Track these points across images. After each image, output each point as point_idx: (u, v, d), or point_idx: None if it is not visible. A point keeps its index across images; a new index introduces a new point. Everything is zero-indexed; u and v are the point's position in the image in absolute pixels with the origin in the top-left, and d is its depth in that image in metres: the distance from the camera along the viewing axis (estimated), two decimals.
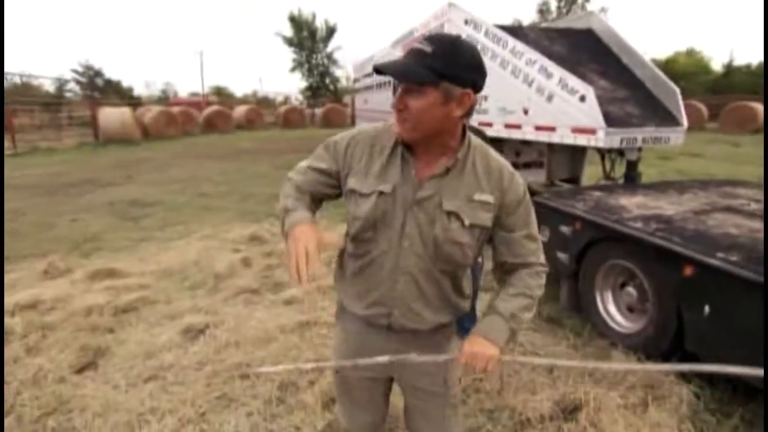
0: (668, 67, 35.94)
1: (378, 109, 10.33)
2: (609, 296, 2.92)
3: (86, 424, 2.15)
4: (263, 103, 40.41)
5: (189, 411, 2.24)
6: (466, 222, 1.12)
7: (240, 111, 24.91)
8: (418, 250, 1.14)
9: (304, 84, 34.24)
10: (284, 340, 2.93)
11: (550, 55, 4.93)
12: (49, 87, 32.07)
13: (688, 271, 2.26)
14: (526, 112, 4.49)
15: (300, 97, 37.07)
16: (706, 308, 2.19)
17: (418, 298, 1.19)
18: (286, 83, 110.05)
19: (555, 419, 1.98)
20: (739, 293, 2.06)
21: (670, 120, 4.48)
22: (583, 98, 4.02)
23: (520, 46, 4.57)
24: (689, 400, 2.19)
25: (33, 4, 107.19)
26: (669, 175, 8.84)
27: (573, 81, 4.10)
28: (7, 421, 2.17)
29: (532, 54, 4.43)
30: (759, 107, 19.26)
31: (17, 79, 29.07)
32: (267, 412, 2.26)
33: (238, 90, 68.46)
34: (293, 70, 33.62)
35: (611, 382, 2.30)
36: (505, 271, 1.24)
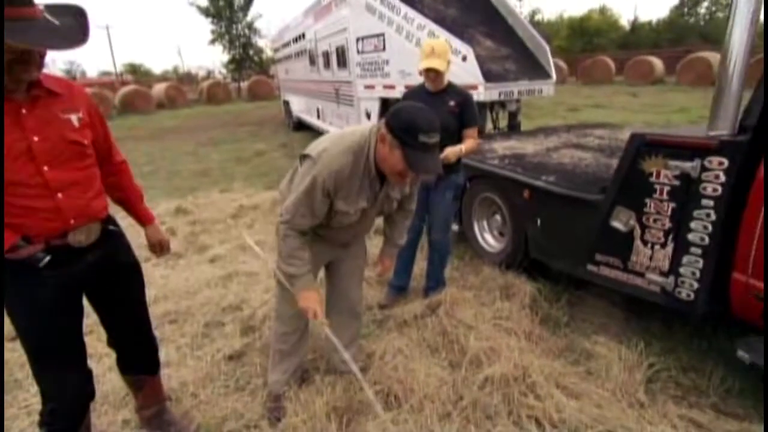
0: (583, 25, 38.01)
1: (300, 78, 10.45)
2: (484, 225, 3.51)
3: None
4: (185, 79, 38.35)
5: None
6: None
7: (159, 89, 23.71)
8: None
9: (226, 57, 32.84)
10: (208, 290, 3.29)
11: (443, 18, 5.39)
12: None
13: (526, 194, 2.86)
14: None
15: (224, 70, 35.59)
16: (538, 221, 2.80)
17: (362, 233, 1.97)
18: (208, 56, 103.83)
19: (424, 317, 2.54)
20: (555, 206, 2.68)
21: (542, 74, 5.14)
22: (464, 58, 4.54)
23: (411, 12, 4.99)
24: (531, 293, 2.83)
25: None
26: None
27: (456, 43, 4.59)
28: None
29: (421, 19, 4.86)
30: (656, 60, 21.16)
31: None
32: (194, 344, 2.65)
33: (157, 66, 63.89)
34: (213, 42, 32.01)
35: (476, 288, 2.91)
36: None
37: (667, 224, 2.18)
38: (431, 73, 2.50)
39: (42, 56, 1.29)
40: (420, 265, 3.26)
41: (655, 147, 2.14)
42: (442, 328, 2.37)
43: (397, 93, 5.56)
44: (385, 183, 1.70)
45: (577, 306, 2.83)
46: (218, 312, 2.99)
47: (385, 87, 5.70)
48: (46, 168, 1.34)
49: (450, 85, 2.58)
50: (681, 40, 35.93)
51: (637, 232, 2.30)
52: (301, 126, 11.38)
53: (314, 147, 1.67)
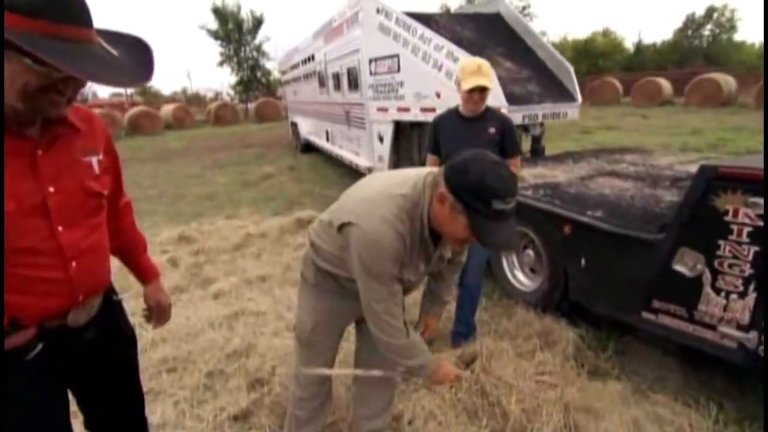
0: (588, 47, 38.28)
1: (309, 100, 10.31)
2: (514, 260, 3.21)
3: None
4: (193, 100, 38.71)
5: None
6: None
7: (167, 110, 23.78)
8: None
9: (234, 78, 33.13)
10: (212, 332, 2.98)
11: (460, 40, 5.19)
12: None
13: (567, 229, 2.56)
14: (438, 95, 4.72)
15: (231, 92, 35.86)
16: (582, 260, 2.50)
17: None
18: (217, 78, 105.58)
19: None
20: (603, 244, 2.38)
21: (567, 96, 4.89)
22: None
23: (428, 32, 4.78)
24: (574, 341, 2.50)
25: None
26: (587, 147, 9.55)
27: None
28: None
29: (439, 40, 4.65)
30: (664, 82, 21.07)
31: None
32: (194, 399, 2.33)
33: (166, 88, 64.90)
34: (222, 64, 32.38)
35: (511, 335, 2.58)
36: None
37: (747, 270, 1.87)
38: (477, 94, 2.22)
39: (77, 90, 0.99)
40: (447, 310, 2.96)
41: (732, 181, 1.85)
42: (480, 387, 2.05)
43: (411, 116, 5.32)
44: (439, 243, 1.40)
45: (626, 355, 2.50)
46: (222, 359, 2.68)
47: (399, 110, 5.47)
48: (60, 228, 1.03)
49: (488, 110, 2.32)
50: (685, 62, 36.06)
51: (707, 278, 1.99)
52: (309, 148, 11.19)
53: (357, 210, 1.31)
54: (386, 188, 1.31)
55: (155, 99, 38.09)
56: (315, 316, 1.57)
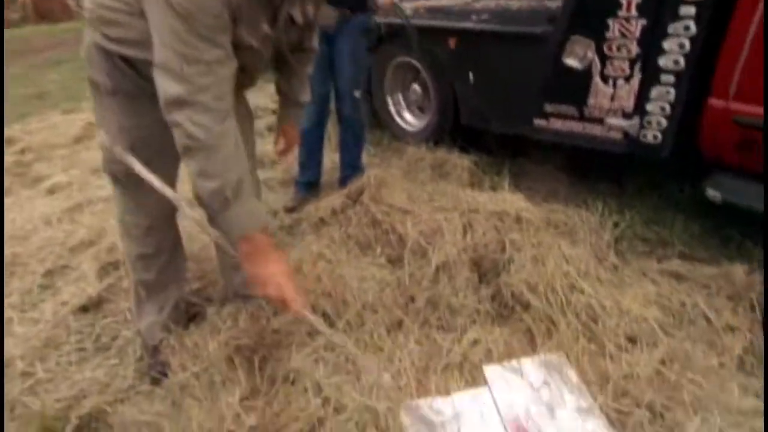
0: None
1: None
2: (400, 99, 2.92)
3: None
4: None
5: None
6: None
7: None
8: None
9: None
10: (49, 230, 2.39)
11: None
12: None
13: (453, 43, 2.28)
14: None
15: None
16: (471, 76, 2.27)
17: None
18: None
19: (346, 210, 1.96)
20: (491, 50, 2.14)
21: None
22: None
23: None
24: (469, 168, 2.38)
25: None
26: None
27: None
28: None
29: None
30: None
31: None
32: (25, 303, 1.85)
33: None
34: None
35: (403, 170, 2.38)
36: None
37: (635, 50, 1.75)
38: None
39: None
40: (331, 158, 2.64)
41: None
42: (371, 218, 1.82)
43: None
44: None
45: (520, 176, 2.44)
46: (64, 254, 2.15)
47: None
48: None
49: None
50: None
51: (597, 67, 1.86)
52: None
53: None
54: None
55: None
56: (127, 137, 1.13)
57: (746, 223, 1.88)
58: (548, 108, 2.04)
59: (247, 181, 0.99)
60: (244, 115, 1.36)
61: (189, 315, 1.55)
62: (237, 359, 1.25)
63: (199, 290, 1.70)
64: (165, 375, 1.33)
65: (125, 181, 1.18)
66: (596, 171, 2.43)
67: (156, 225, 1.27)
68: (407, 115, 2.89)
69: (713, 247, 1.89)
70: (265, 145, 2.87)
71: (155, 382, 1.38)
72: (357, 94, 2.10)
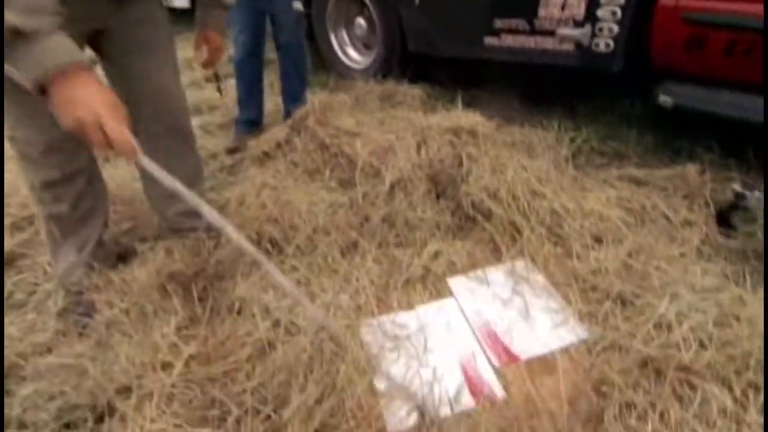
0: None
1: None
2: (344, 36, 2.73)
3: None
4: None
5: None
6: None
7: None
8: None
9: None
10: None
11: None
12: None
13: None
14: None
15: None
16: None
17: None
18: None
19: (290, 141, 1.80)
20: None
21: None
22: None
23: None
24: (420, 97, 2.27)
25: None
26: None
27: None
28: None
29: None
30: None
31: None
32: None
33: None
34: None
35: (351, 99, 2.22)
36: None
37: None
38: None
39: None
40: (274, 101, 2.45)
41: None
42: (318, 143, 1.67)
43: None
44: None
45: (473, 104, 2.35)
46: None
47: None
48: None
49: None
50: None
51: None
52: None
53: None
54: None
55: None
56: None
57: (695, 134, 1.89)
58: (498, 23, 1.94)
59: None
60: (159, 19, 1.17)
61: (118, 255, 1.36)
62: (171, 286, 1.09)
63: (130, 230, 1.51)
64: (90, 316, 1.16)
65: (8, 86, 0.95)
66: (550, 96, 2.39)
67: (55, 143, 1.06)
68: (352, 53, 2.72)
69: (666, 157, 1.89)
70: (203, 92, 2.66)
71: (81, 328, 1.20)
72: (296, 4, 1.90)
